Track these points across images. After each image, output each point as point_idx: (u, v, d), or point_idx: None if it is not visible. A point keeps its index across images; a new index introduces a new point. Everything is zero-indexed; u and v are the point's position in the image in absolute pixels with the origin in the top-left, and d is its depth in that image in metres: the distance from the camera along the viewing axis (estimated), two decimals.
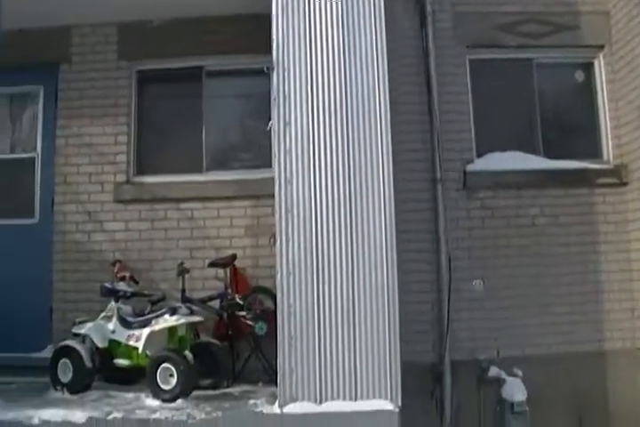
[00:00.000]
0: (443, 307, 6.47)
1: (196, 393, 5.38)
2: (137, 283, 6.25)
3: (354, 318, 4.87)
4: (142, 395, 5.46)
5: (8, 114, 7.26)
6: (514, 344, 6.49)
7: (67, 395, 5.61)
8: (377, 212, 4.96)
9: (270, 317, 5.72)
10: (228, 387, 5.87)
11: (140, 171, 7.02)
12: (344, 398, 4.84)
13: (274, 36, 5.18)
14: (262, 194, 6.48)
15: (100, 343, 5.83)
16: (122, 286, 6.06)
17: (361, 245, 4.93)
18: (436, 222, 6.57)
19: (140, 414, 4.95)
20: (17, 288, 6.61)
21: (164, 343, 5.58)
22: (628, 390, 6.42)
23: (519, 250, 6.67)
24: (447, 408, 6.40)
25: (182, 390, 5.26)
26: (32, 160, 7.14)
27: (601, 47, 6.99)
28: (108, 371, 5.93)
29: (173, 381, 5.29)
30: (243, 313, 5.96)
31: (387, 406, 4.81)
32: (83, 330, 5.88)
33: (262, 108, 6.76)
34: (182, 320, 5.52)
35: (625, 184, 6.74)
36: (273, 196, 5.17)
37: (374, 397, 4.84)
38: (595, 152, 6.98)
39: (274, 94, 5.15)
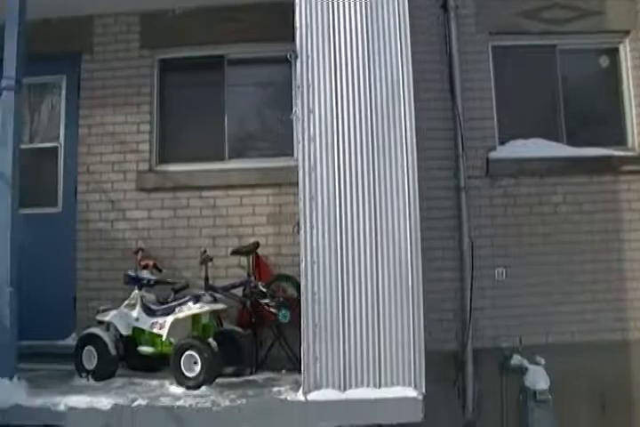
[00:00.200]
0: (465, 295, 6.46)
1: (219, 381, 5.41)
2: (160, 271, 6.29)
3: (378, 305, 4.88)
4: (166, 382, 5.51)
5: (31, 104, 7.28)
6: (536, 332, 6.47)
7: (92, 382, 5.68)
8: (401, 199, 4.96)
9: (293, 304, 5.76)
10: (251, 374, 5.92)
11: (163, 159, 7.04)
12: (368, 386, 4.87)
13: (297, 24, 5.17)
14: (284, 182, 6.50)
15: (124, 331, 5.87)
16: (145, 274, 6.11)
17: (385, 231, 4.94)
18: (458, 210, 6.55)
19: (165, 401, 5.00)
20: (41, 277, 6.67)
21: (187, 331, 5.61)
22: None
23: (542, 238, 6.63)
24: (469, 396, 6.41)
25: (206, 378, 5.29)
26: (55, 149, 7.19)
27: (627, 32, 6.90)
28: (131, 358, 6.00)
29: (197, 368, 5.32)
30: (266, 301, 5.96)
31: (411, 393, 4.84)
32: (107, 318, 5.93)
33: (284, 96, 6.80)
34: (206, 308, 5.54)
35: None
36: (295, 184, 5.18)
37: (398, 384, 4.87)
38: (619, 139, 6.91)
39: (297, 82, 5.16)
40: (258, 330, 6.24)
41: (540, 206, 6.68)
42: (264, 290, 6.01)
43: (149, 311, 5.88)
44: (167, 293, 6.13)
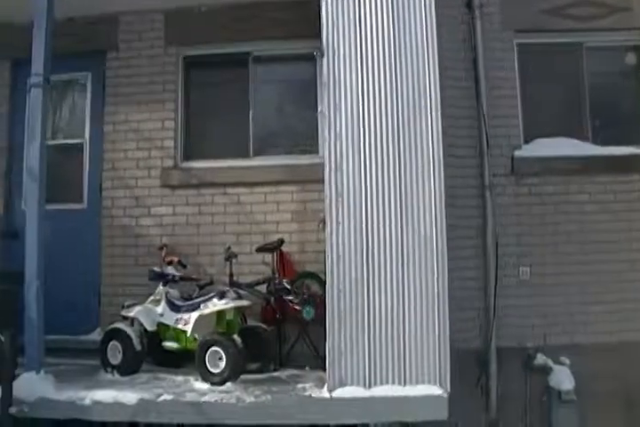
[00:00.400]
0: (489, 294, 6.43)
1: (243, 377, 5.42)
2: (184, 267, 6.31)
3: (403, 302, 4.87)
4: (191, 378, 5.54)
5: (57, 101, 7.34)
6: (561, 332, 6.44)
7: (117, 377, 5.71)
8: (427, 196, 4.95)
9: (317, 301, 5.76)
10: (274, 371, 5.91)
11: (188, 156, 7.06)
12: (393, 383, 4.85)
13: (323, 21, 5.17)
14: (309, 179, 6.48)
15: (149, 326, 5.90)
16: (170, 270, 6.13)
17: (411, 228, 4.92)
18: (483, 209, 6.53)
19: (190, 396, 5.02)
20: (66, 272, 6.72)
21: (212, 327, 5.62)
22: None
23: (567, 237, 6.59)
24: (493, 395, 6.39)
25: (231, 374, 5.30)
26: (80, 146, 7.24)
27: None
28: (156, 354, 6.03)
29: (222, 364, 5.33)
30: (290, 298, 5.95)
31: (436, 391, 4.81)
32: (132, 313, 5.95)
33: (309, 93, 6.81)
34: (231, 304, 5.54)
35: None
36: (319, 181, 5.19)
37: (423, 381, 4.85)
38: None
39: (324, 79, 5.15)
40: (281, 327, 6.24)
41: (566, 205, 6.64)
42: (288, 287, 5.99)
43: (174, 307, 5.90)
44: (191, 289, 6.15)
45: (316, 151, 6.68)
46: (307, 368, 5.96)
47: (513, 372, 6.39)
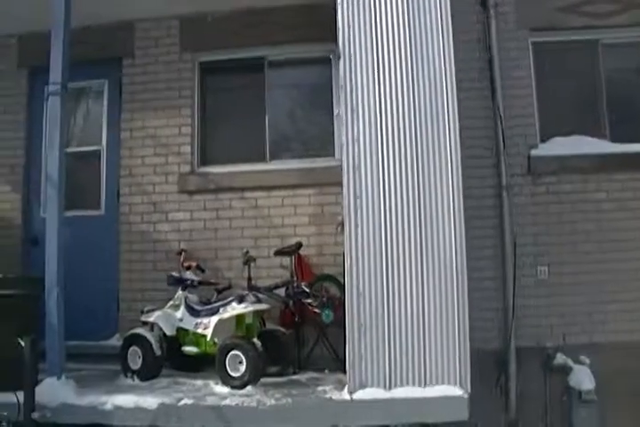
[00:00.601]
0: (507, 294, 6.42)
1: (263, 380, 5.42)
2: (203, 271, 6.34)
3: (423, 303, 4.85)
4: (211, 382, 5.54)
5: (74, 108, 7.39)
6: (580, 332, 6.39)
7: (137, 382, 5.74)
8: (445, 198, 4.93)
9: (336, 304, 5.77)
10: (294, 374, 5.92)
11: (204, 161, 7.10)
12: (413, 384, 4.82)
13: (339, 24, 5.17)
14: (326, 182, 6.52)
15: (169, 331, 5.92)
16: (189, 274, 6.16)
17: (429, 229, 4.90)
18: (500, 208, 6.51)
19: (211, 400, 5.01)
20: (85, 279, 6.77)
21: (231, 331, 5.63)
22: None
23: (585, 236, 6.54)
24: (512, 395, 6.35)
25: (251, 378, 5.30)
26: (98, 153, 7.30)
27: None
28: (175, 359, 6.04)
29: (242, 368, 5.33)
30: (309, 301, 5.95)
31: (456, 391, 4.78)
32: (151, 318, 5.98)
33: (324, 97, 6.83)
34: (250, 308, 5.54)
35: None
36: (336, 184, 5.19)
37: (443, 382, 4.82)
38: None
39: (340, 82, 5.14)
40: (300, 330, 6.25)
41: (583, 204, 6.59)
42: (307, 290, 6.00)
43: (193, 312, 5.92)
44: (210, 293, 6.17)
45: (333, 154, 6.71)
46: (326, 371, 5.97)
47: (532, 372, 6.36)
